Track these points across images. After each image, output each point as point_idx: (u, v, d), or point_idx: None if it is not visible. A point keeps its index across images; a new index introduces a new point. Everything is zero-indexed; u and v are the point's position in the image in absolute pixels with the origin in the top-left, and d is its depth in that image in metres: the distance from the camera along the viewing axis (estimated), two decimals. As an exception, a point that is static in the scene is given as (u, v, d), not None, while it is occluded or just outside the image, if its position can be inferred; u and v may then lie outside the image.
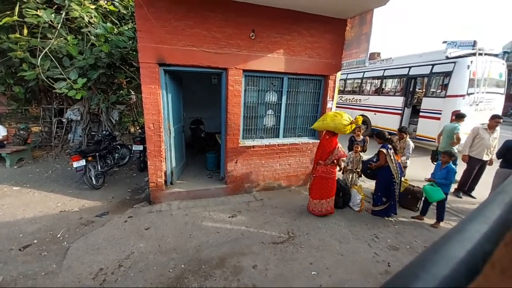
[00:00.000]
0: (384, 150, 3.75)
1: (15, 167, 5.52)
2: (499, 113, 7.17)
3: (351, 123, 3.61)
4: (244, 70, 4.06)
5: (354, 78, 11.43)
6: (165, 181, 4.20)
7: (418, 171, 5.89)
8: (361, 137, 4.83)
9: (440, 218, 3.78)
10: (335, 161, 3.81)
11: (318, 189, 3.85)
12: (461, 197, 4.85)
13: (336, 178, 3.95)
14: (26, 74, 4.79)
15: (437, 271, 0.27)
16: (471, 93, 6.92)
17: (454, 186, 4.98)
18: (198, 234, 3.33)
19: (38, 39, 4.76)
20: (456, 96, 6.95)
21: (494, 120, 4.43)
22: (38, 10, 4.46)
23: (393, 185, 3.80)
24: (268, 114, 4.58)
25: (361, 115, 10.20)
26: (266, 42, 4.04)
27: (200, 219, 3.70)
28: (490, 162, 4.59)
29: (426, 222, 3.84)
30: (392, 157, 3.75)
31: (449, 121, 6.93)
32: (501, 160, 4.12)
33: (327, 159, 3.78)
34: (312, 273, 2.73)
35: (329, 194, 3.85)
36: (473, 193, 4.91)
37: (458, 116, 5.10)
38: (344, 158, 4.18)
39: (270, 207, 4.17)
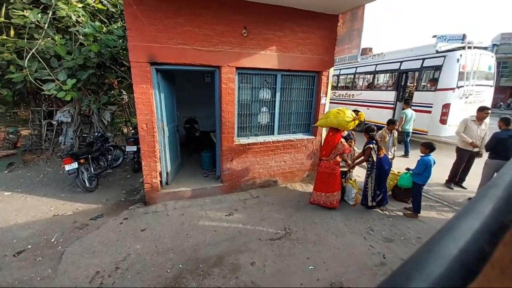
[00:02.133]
0: (372, 146, 3.89)
1: (6, 172, 5.40)
2: (489, 105, 7.33)
3: (354, 120, 3.67)
4: (237, 68, 4.04)
5: (347, 74, 11.50)
6: (160, 182, 4.17)
7: (410, 163, 5.98)
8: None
9: (414, 208, 3.86)
10: (338, 156, 3.87)
11: (320, 183, 4.01)
12: (452, 188, 4.96)
13: (339, 173, 4.01)
14: (14, 76, 4.66)
15: (432, 270, 0.28)
16: (461, 86, 7.04)
17: (445, 178, 5.11)
18: (195, 234, 3.32)
19: (25, 40, 4.63)
20: (446, 89, 7.06)
21: (484, 112, 4.49)
22: (25, 11, 4.33)
23: (368, 177, 4.01)
24: (262, 112, 4.58)
25: (354, 110, 10.34)
26: (259, 39, 4.03)
27: (196, 218, 3.70)
28: (480, 155, 4.65)
29: (419, 214, 3.91)
30: (375, 152, 3.90)
31: (440, 114, 7.08)
32: (487, 151, 4.21)
33: (330, 154, 3.85)
34: (309, 267, 2.77)
35: (331, 188, 3.94)
36: (463, 184, 5.03)
37: (407, 103, 6.97)
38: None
39: (267, 204, 4.19)
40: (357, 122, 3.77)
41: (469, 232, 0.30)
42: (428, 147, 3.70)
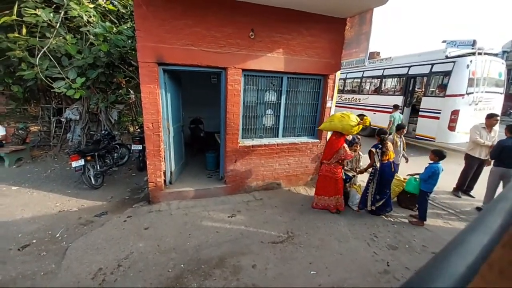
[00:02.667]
0: (373, 149, 3.90)
1: (14, 166, 5.51)
2: (499, 112, 7.19)
3: (358, 124, 3.64)
4: (243, 70, 4.05)
5: (354, 78, 11.43)
6: (165, 181, 4.19)
7: (416, 170, 5.89)
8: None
9: (420, 215, 3.79)
10: (339, 161, 3.84)
11: (321, 187, 3.99)
12: (460, 197, 4.85)
13: (342, 178, 3.97)
14: (25, 73, 4.77)
15: None
16: (470, 93, 6.92)
17: (452, 186, 5.01)
18: (197, 234, 3.32)
19: (37, 39, 4.74)
20: (456, 95, 6.95)
21: (493, 119, 4.44)
22: (37, 9, 4.44)
23: (369, 181, 3.98)
24: (267, 114, 4.58)
25: (360, 114, 10.30)
26: (266, 42, 4.03)
27: (199, 218, 3.70)
28: (488, 163, 4.55)
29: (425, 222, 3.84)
30: (378, 157, 3.87)
31: (448, 121, 6.98)
32: (491, 159, 4.18)
33: (331, 158, 3.82)
34: (312, 272, 2.73)
35: (331, 192, 3.91)
36: (471, 193, 4.92)
37: (397, 107, 7.32)
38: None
39: (270, 206, 4.17)
40: (361, 126, 3.74)
41: (478, 248, 0.29)
42: (438, 154, 3.63)
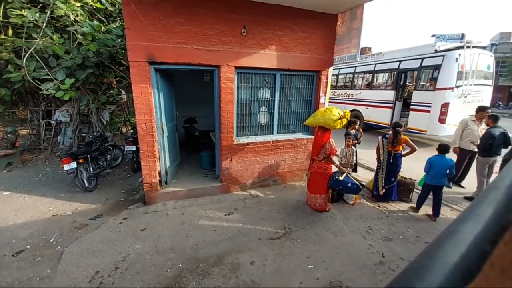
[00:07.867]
0: (379, 138, 4.20)
1: (4, 171, 5.38)
2: (488, 104, 7.36)
3: (340, 118, 3.64)
4: (236, 67, 4.03)
5: (346, 73, 11.50)
6: (160, 181, 4.16)
7: (410, 163, 5.99)
8: (354, 131, 4.87)
9: (433, 211, 3.82)
10: (327, 156, 3.86)
11: (313, 184, 3.96)
12: (451, 187, 4.97)
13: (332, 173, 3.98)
14: (12, 75, 4.64)
15: (432, 279, 0.27)
16: (459, 86, 7.06)
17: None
18: (194, 233, 3.32)
19: (23, 40, 4.62)
20: (445, 89, 7.08)
21: (485, 112, 4.54)
22: (23, 10, 4.31)
23: (378, 168, 4.25)
24: (261, 111, 4.58)
25: (353, 109, 10.40)
26: (258, 39, 4.02)
27: (196, 218, 3.69)
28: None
29: (417, 213, 3.92)
30: (383, 146, 4.11)
31: (438, 114, 7.11)
32: (480, 149, 4.35)
33: (319, 154, 3.83)
34: (309, 266, 2.77)
35: (322, 189, 3.88)
36: (462, 183, 5.05)
37: None
38: (338, 153, 4.27)
39: (266, 203, 4.19)
40: (344, 121, 3.73)
41: (470, 237, 0.29)
42: (438, 148, 3.75)
